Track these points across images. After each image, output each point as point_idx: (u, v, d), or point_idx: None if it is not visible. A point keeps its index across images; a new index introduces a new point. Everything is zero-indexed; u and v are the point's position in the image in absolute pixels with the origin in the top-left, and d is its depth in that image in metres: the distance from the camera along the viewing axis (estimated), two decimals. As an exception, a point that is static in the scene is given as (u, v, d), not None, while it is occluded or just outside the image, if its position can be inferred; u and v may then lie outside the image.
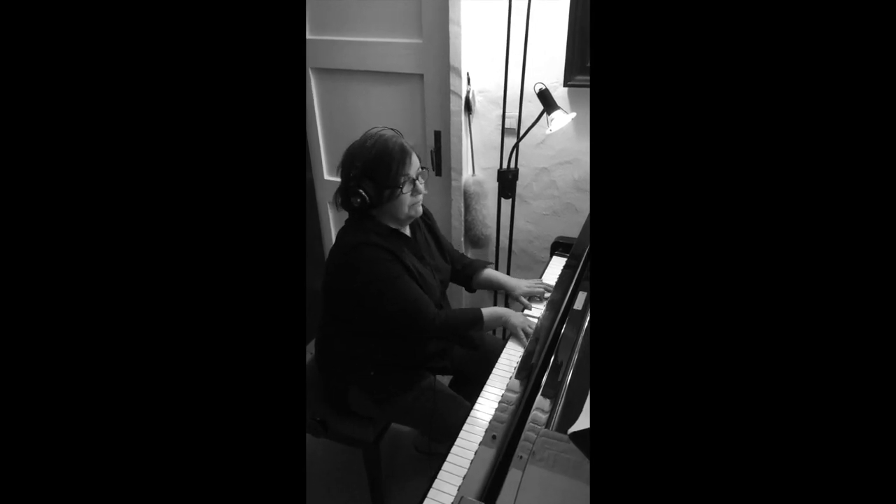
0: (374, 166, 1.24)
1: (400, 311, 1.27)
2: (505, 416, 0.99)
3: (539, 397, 1.02)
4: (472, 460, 0.91)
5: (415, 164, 1.27)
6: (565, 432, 0.89)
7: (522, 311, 1.49)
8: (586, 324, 1.23)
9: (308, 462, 1.81)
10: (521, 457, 0.87)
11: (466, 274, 1.60)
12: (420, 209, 1.32)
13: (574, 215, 1.95)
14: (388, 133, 1.27)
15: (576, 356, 1.14)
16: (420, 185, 1.29)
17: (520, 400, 1.02)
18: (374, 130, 1.28)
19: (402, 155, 1.24)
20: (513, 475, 0.83)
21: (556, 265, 1.75)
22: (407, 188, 1.26)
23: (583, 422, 0.87)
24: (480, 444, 0.94)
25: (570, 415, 0.93)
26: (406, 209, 1.28)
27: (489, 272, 1.61)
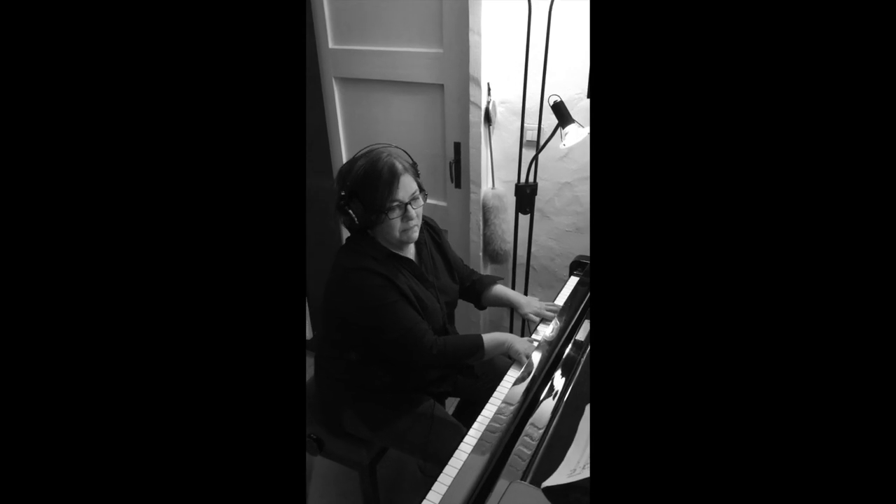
0: (360, 187, 1.24)
1: (393, 340, 1.28)
2: (500, 426, 1.01)
3: (536, 413, 1.04)
4: (459, 468, 0.92)
5: (407, 188, 1.26)
6: (552, 461, 0.90)
7: (532, 333, 1.50)
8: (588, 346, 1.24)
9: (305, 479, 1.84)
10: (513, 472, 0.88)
11: (476, 290, 1.62)
12: (414, 234, 1.32)
13: (597, 233, 1.96)
14: (382, 152, 1.27)
15: (577, 375, 1.15)
16: (412, 209, 1.27)
17: (517, 411, 1.04)
18: (370, 148, 1.29)
19: (391, 177, 1.23)
20: (503, 485, 0.85)
21: (573, 286, 1.76)
22: (395, 213, 1.25)
23: (559, 476, 0.86)
24: (471, 452, 0.96)
25: (563, 434, 0.94)
26: (397, 234, 1.28)
27: (499, 288, 1.63)
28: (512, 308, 1.62)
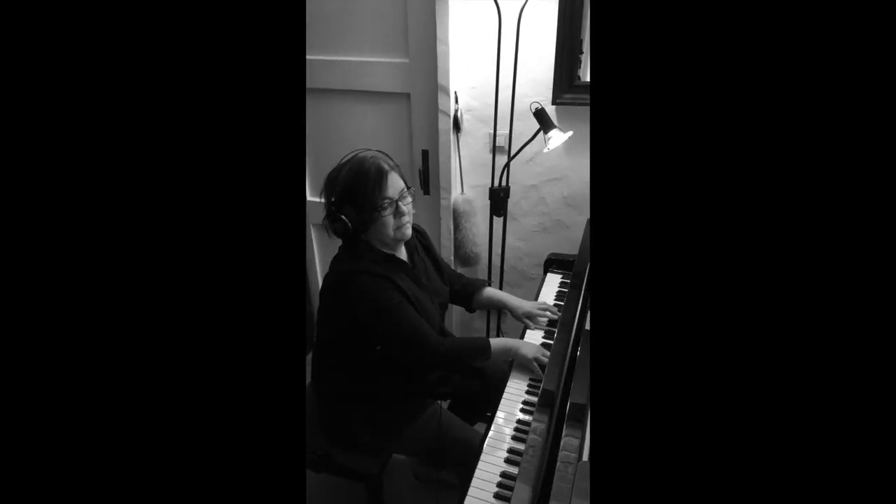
0: (351, 190, 1.21)
1: (401, 342, 1.24)
2: (536, 450, 0.99)
3: (566, 426, 1.02)
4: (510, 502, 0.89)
5: (395, 185, 1.23)
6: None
7: (523, 334, 1.49)
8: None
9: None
10: (563, 489, 0.86)
11: (466, 294, 1.58)
12: (408, 231, 1.28)
13: (564, 231, 1.97)
14: (366, 154, 1.24)
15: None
16: (403, 206, 1.25)
17: (547, 430, 1.01)
18: (353, 153, 1.25)
19: (379, 176, 1.20)
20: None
21: (552, 283, 1.77)
22: (388, 210, 1.22)
23: None
24: (517, 481, 0.92)
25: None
26: (391, 231, 1.24)
27: (490, 291, 1.60)
28: (504, 310, 1.59)
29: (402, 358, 1.29)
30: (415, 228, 1.43)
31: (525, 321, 1.52)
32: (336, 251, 1.34)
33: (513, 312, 1.55)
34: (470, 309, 1.62)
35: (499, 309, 1.61)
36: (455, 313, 2.19)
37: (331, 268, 1.30)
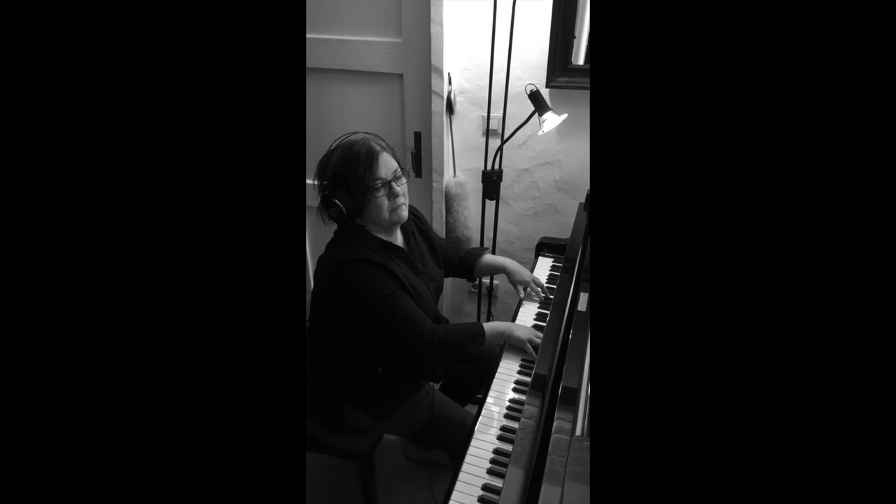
0: (342, 173, 1.17)
1: (396, 330, 1.21)
2: (528, 433, 0.95)
3: (558, 409, 0.99)
4: (503, 484, 0.86)
5: (388, 166, 1.19)
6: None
7: (519, 302, 1.47)
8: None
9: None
10: (556, 471, 0.83)
11: (467, 264, 1.56)
12: (404, 213, 1.24)
13: (555, 215, 1.93)
14: (357, 136, 1.20)
15: (587, 359, 1.11)
16: (397, 186, 1.20)
17: (540, 413, 0.98)
18: (343, 136, 1.21)
19: (370, 157, 1.16)
20: (550, 491, 0.79)
21: (543, 266, 1.73)
22: (381, 192, 1.18)
23: None
24: (510, 465, 0.89)
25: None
26: (386, 214, 1.20)
27: (488, 257, 1.58)
28: (502, 272, 1.57)
29: (398, 347, 1.26)
30: (411, 212, 1.39)
31: (519, 288, 1.51)
32: (328, 234, 1.29)
33: (510, 276, 1.53)
34: (471, 278, 1.60)
35: (498, 273, 1.58)
36: (446, 297, 2.15)
37: (326, 253, 1.25)
